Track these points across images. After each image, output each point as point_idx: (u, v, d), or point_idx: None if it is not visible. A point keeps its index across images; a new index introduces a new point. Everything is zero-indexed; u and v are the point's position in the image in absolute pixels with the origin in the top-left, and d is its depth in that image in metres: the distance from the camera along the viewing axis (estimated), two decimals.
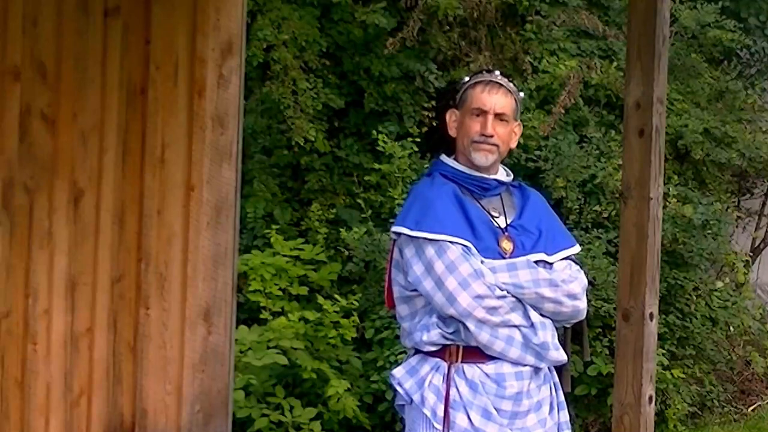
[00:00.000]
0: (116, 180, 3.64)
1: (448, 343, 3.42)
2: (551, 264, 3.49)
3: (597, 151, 7.19)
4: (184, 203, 3.66)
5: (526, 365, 3.43)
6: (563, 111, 7.09)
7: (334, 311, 6.35)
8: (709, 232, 7.14)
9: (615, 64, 7.44)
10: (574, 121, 7.47)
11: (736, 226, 8.50)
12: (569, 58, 7.42)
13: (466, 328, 3.38)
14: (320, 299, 6.43)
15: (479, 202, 3.49)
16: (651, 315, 3.52)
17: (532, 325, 3.41)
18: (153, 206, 3.65)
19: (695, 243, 7.03)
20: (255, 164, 7.26)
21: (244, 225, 6.91)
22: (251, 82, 7.00)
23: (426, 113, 7.39)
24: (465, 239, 3.39)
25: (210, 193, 3.66)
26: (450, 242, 3.37)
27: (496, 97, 3.50)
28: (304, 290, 6.64)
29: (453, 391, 3.40)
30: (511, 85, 3.58)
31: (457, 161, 3.53)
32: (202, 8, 3.64)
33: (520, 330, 3.40)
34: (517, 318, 3.39)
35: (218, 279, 3.70)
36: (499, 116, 3.49)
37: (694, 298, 7.18)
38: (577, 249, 3.60)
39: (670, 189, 6.96)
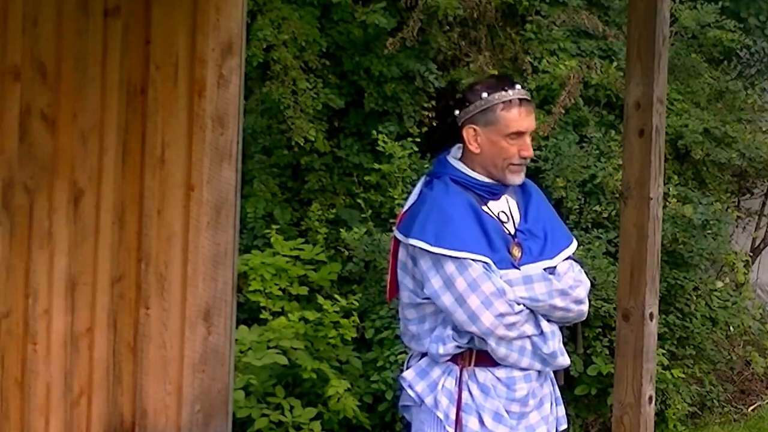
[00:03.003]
0: (116, 180, 3.64)
1: (462, 350, 3.43)
2: (554, 267, 3.49)
3: (597, 151, 7.18)
4: (184, 203, 3.66)
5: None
6: (563, 111, 7.09)
7: (334, 311, 6.35)
8: (709, 232, 7.14)
9: (615, 64, 7.44)
10: (574, 121, 7.47)
11: (736, 226, 8.50)
12: (569, 58, 7.42)
13: (482, 339, 3.39)
14: (320, 299, 6.43)
15: (488, 207, 3.48)
16: (651, 315, 3.52)
17: (542, 333, 3.42)
18: (153, 206, 3.65)
19: (695, 243, 7.02)
20: (255, 164, 7.26)
21: (244, 225, 6.91)
22: (251, 82, 6.99)
23: (426, 113, 7.39)
24: (485, 255, 3.38)
25: (210, 193, 3.66)
26: (472, 260, 3.36)
27: (530, 116, 3.49)
28: (304, 290, 6.64)
29: (465, 395, 3.42)
30: (530, 96, 3.58)
31: (468, 166, 3.50)
32: (202, 8, 3.64)
33: (531, 339, 3.42)
34: (529, 328, 3.42)
35: (218, 279, 3.70)
36: (532, 132, 3.52)
37: (694, 298, 7.18)
38: (575, 246, 3.60)
39: (670, 189, 6.96)
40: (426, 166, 7.20)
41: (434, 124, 7.44)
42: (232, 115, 3.69)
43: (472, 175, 3.48)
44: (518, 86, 3.53)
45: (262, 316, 6.42)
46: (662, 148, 3.54)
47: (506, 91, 3.49)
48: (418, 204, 3.51)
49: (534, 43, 7.59)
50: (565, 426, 3.61)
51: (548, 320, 3.43)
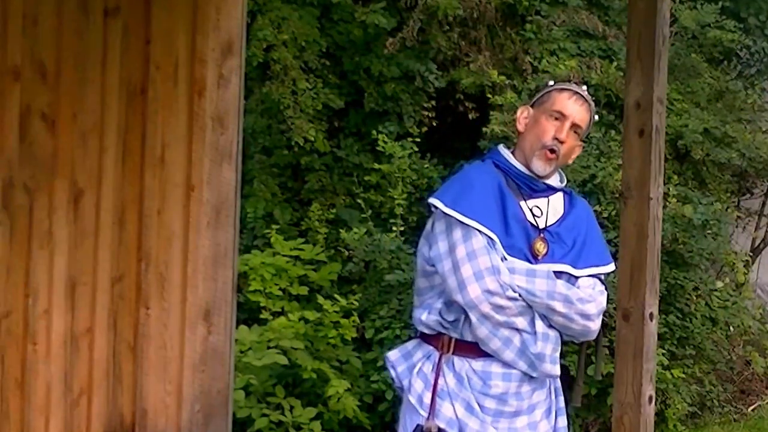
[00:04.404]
0: (116, 180, 3.63)
1: (443, 331, 3.43)
2: (577, 278, 3.47)
3: (597, 151, 7.18)
4: (184, 203, 3.66)
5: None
6: None
7: (334, 311, 6.35)
8: (709, 232, 7.14)
9: (615, 64, 7.44)
10: None
11: (736, 226, 8.50)
12: (569, 58, 7.42)
13: (466, 319, 3.38)
14: (320, 299, 6.43)
15: (525, 201, 3.49)
16: (651, 315, 3.52)
17: (534, 333, 3.40)
18: (153, 206, 3.65)
19: (695, 243, 7.02)
20: (255, 164, 7.27)
21: (244, 225, 6.91)
22: (251, 82, 7.00)
23: (426, 113, 7.39)
24: (494, 231, 3.38)
25: (210, 193, 3.66)
26: (478, 230, 3.37)
27: (580, 109, 3.52)
28: (304, 290, 6.64)
29: (441, 381, 3.42)
30: (593, 104, 3.60)
31: (514, 156, 3.53)
32: (202, 8, 3.64)
33: (521, 335, 3.39)
34: (522, 322, 3.39)
35: (218, 279, 3.70)
36: (574, 127, 3.51)
37: (694, 298, 7.18)
38: (609, 268, 3.56)
39: (670, 189, 6.96)
40: (426, 166, 7.21)
41: (434, 124, 7.45)
42: (232, 115, 3.69)
43: (512, 162, 3.51)
44: (585, 87, 3.62)
45: (262, 316, 6.42)
46: (662, 148, 3.54)
47: (570, 82, 3.66)
48: (454, 175, 3.59)
49: (534, 43, 7.59)
50: None
51: (550, 325, 3.42)
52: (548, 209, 3.52)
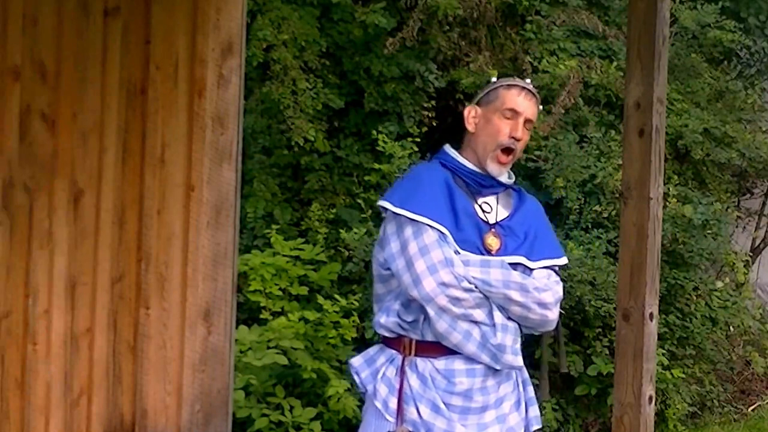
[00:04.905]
0: (116, 180, 3.64)
1: (403, 333, 3.43)
2: (531, 270, 3.48)
3: (597, 151, 7.19)
4: (184, 203, 3.66)
5: (480, 363, 3.44)
6: (563, 111, 7.09)
7: (334, 311, 6.35)
8: (709, 232, 7.14)
9: (615, 64, 7.44)
10: (574, 121, 7.48)
11: (736, 226, 8.51)
12: (569, 58, 7.42)
13: (425, 319, 3.38)
14: (320, 299, 6.43)
15: (473, 197, 3.49)
16: (651, 315, 3.52)
17: (494, 325, 3.41)
18: (153, 206, 3.65)
19: (695, 243, 7.03)
20: (255, 164, 7.27)
21: (244, 225, 6.91)
22: (251, 82, 7.00)
23: (426, 113, 7.39)
24: (444, 226, 3.39)
25: (210, 193, 3.66)
26: (429, 226, 3.37)
27: (530, 104, 3.52)
28: (304, 290, 6.64)
29: (405, 384, 3.42)
30: (538, 96, 3.60)
31: (461, 154, 3.53)
32: (202, 8, 3.64)
33: (480, 327, 3.39)
34: (480, 314, 3.38)
35: (218, 279, 3.70)
36: (527, 122, 3.51)
37: (694, 298, 7.18)
38: (562, 261, 3.57)
39: (670, 189, 6.96)
40: None
41: (434, 124, 7.45)
42: (232, 115, 3.69)
43: (460, 160, 3.51)
44: (529, 81, 3.60)
45: (262, 316, 6.42)
46: (662, 148, 3.54)
47: (514, 78, 3.60)
48: (401, 177, 3.60)
49: (534, 43, 7.60)
50: (537, 426, 3.60)
51: (508, 317, 3.42)
52: (498, 205, 3.52)
